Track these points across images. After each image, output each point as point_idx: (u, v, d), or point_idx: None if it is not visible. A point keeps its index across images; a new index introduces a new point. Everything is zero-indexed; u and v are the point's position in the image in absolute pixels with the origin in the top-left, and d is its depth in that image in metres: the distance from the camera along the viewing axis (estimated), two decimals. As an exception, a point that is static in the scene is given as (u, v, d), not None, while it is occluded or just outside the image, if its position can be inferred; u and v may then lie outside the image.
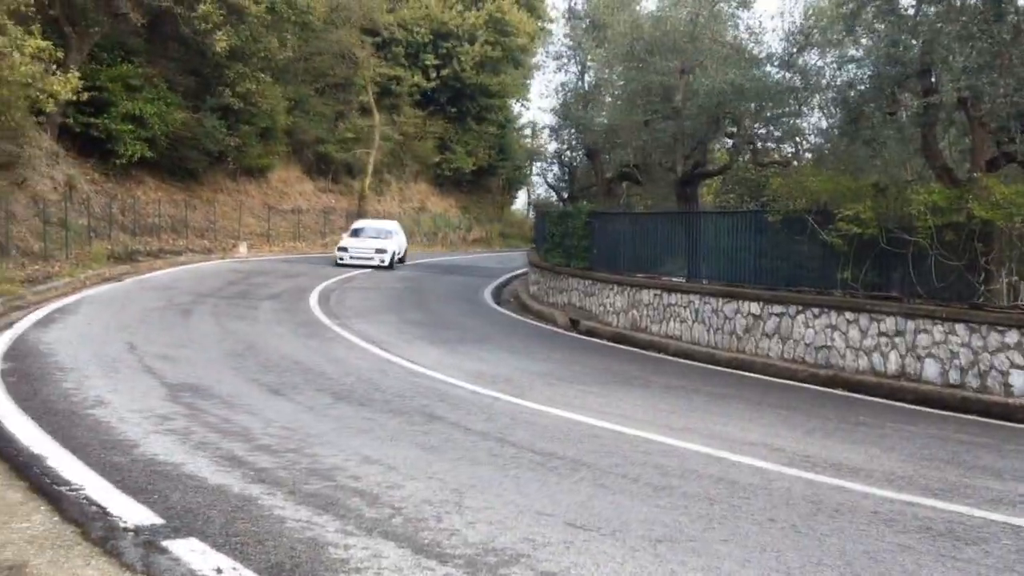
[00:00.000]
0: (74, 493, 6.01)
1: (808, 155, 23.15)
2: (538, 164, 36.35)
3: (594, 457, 7.74)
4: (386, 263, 31.81)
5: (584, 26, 27.03)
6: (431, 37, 51.14)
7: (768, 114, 20.99)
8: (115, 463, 6.76)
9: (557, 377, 12.37)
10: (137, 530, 5.35)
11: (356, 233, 33.93)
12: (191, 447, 7.36)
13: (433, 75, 51.67)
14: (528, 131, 58.40)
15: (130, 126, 31.11)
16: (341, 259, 31.57)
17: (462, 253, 48.66)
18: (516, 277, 31.58)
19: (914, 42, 13.71)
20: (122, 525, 5.43)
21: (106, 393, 9.39)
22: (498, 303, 24.32)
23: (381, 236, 33.60)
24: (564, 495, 6.52)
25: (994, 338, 11.42)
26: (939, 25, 13.27)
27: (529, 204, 57.55)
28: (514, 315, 21.66)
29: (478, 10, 52.39)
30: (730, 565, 5.29)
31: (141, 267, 26.91)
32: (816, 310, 13.84)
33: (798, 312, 14.14)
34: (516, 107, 60.28)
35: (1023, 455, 8.94)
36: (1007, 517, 6.53)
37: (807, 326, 13.95)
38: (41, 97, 20.21)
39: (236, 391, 9.94)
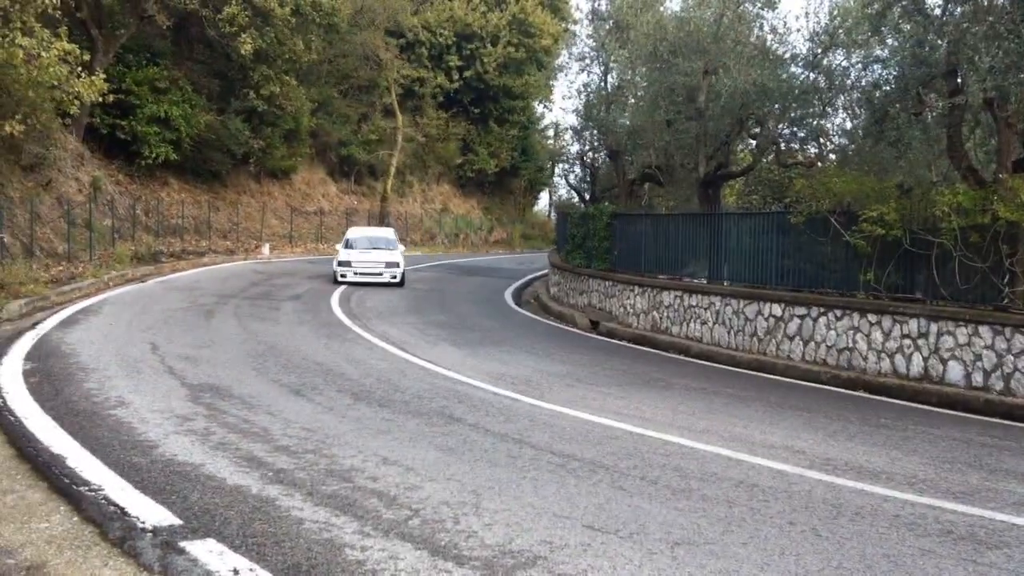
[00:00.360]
0: (93, 493, 6.05)
1: (832, 156, 23.04)
2: (560, 165, 36.25)
3: (613, 459, 7.72)
4: (397, 279, 25.85)
5: (608, 27, 27.00)
6: (455, 39, 51.20)
7: (792, 115, 20.91)
8: (135, 463, 6.81)
9: (577, 379, 12.34)
10: (155, 531, 5.39)
11: (351, 244, 27.24)
12: (211, 448, 7.39)
13: (456, 76, 51.74)
14: (551, 132, 58.39)
15: (155, 128, 31.42)
16: (343, 276, 25.31)
17: (483, 254, 48.73)
18: (537, 278, 31.51)
19: (940, 42, 13.61)
20: (140, 526, 5.47)
21: (127, 393, 9.45)
22: (519, 304, 24.30)
23: (382, 246, 27.34)
24: (582, 497, 6.51)
25: (1019, 340, 11.28)
26: (966, 25, 13.16)
27: (551, 205, 57.45)
28: (535, 316, 21.64)
29: (502, 11, 52.38)
30: (749, 568, 5.27)
31: (164, 268, 27.13)
32: (839, 312, 13.73)
33: (820, 314, 14.04)
34: (539, 108, 60.26)
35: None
36: (1030, 521, 6.46)
37: (829, 328, 13.85)
38: (67, 99, 20.40)
39: (257, 392, 9.98)
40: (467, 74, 52.03)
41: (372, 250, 26.66)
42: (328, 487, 6.44)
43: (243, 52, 31.50)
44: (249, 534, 5.39)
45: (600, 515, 6.11)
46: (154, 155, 31.73)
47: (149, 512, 5.70)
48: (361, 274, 25.43)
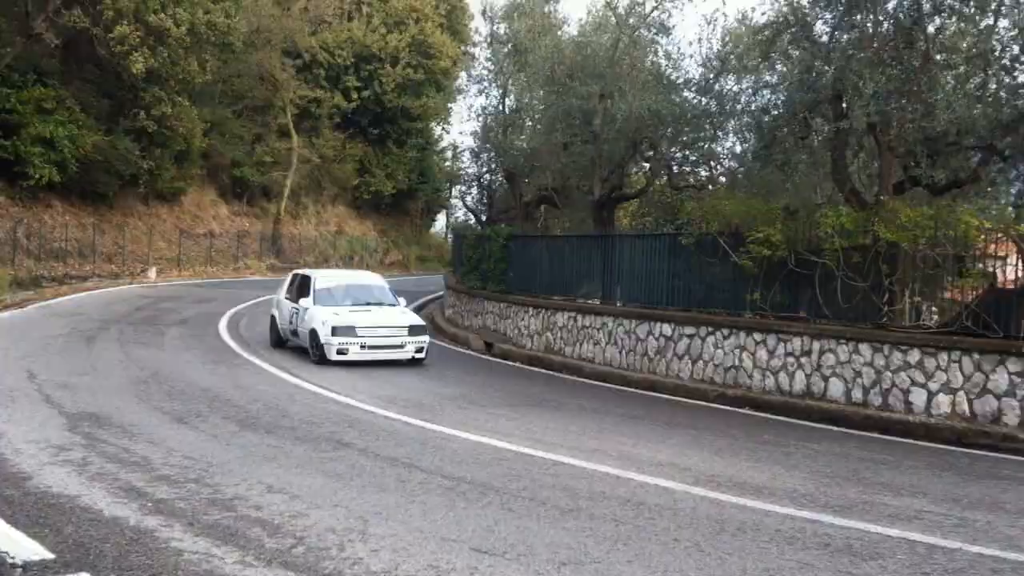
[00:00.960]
0: (-40, 529, 5.80)
1: (723, 179, 23.54)
2: (458, 187, 36.15)
3: (503, 481, 7.73)
4: (423, 353, 16.29)
5: (506, 50, 27.14)
6: (353, 59, 50.91)
7: (684, 138, 21.33)
8: (6, 496, 6.56)
9: (469, 400, 12.32)
10: (26, 566, 5.20)
11: (324, 298, 16.64)
12: (88, 478, 7.15)
13: (354, 97, 51.41)
14: (449, 154, 58.35)
15: (40, 149, 30.40)
16: (340, 353, 15.39)
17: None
18: (432, 300, 31.42)
19: (827, 68, 14.00)
20: (10, 561, 5.26)
21: (1, 424, 9.09)
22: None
23: (376, 300, 17.38)
24: (471, 520, 6.50)
25: (897, 357, 11.71)
26: (851, 52, 13.61)
27: (448, 227, 57.37)
28: (429, 338, 21.49)
29: (401, 33, 52.30)
30: None
31: (46, 293, 26.25)
32: (726, 331, 14.04)
33: (709, 333, 14.32)
34: (437, 130, 60.18)
35: (920, 471, 9.16)
36: (903, 532, 6.67)
37: (717, 347, 14.13)
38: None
39: (138, 420, 9.70)
40: (365, 95, 51.76)
41: (369, 307, 16.72)
42: (210, 517, 6.29)
43: (135, 71, 30.79)
44: (125, 567, 5.23)
45: (488, 537, 6.10)
46: (38, 176, 30.70)
47: (20, 547, 5.49)
48: (373, 348, 15.68)
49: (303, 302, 16.64)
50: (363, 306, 16.72)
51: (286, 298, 17.67)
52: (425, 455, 8.67)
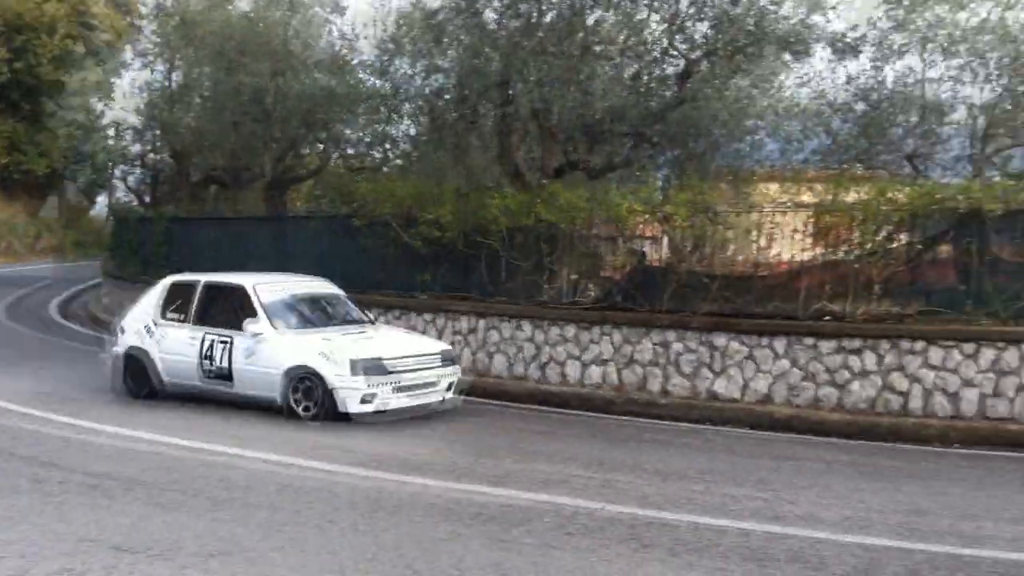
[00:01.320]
0: None
1: (398, 161, 23.65)
2: (121, 167, 33.82)
3: (153, 475, 7.35)
4: (454, 389, 11.06)
5: (174, 23, 25.73)
6: (3, 28, 46.44)
7: (359, 120, 21.21)
8: None
9: (121, 393, 11.49)
10: None
11: (284, 319, 11.00)
12: None
13: (3, 69, 46.96)
14: (112, 132, 54.67)
15: None
16: (369, 400, 9.94)
17: (29, 263, 44.30)
18: (89, 288, 29.17)
19: (495, 55, 14.31)
20: None
21: None
22: (65, 317, 22.34)
23: (346, 317, 11.92)
24: (113, 518, 6.12)
25: (554, 332, 12.32)
26: (517, 40, 13.99)
27: (109, 210, 53.98)
28: (81, 329, 19.91)
29: (59, 1, 48.33)
30: (283, 572, 5.18)
31: None
32: (398, 312, 14.14)
33: (379, 315, 14.29)
34: (99, 106, 56.15)
35: (573, 439, 9.71)
36: (552, 497, 6.93)
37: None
38: None
39: None
40: (16, 66, 47.44)
41: (361, 329, 11.49)
42: None
43: None
44: None
45: (131, 534, 5.74)
46: None
47: None
48: (408, 389, 10.35)
49: (251, 326, 10.69)
50: (346, 327, 11.44)
51: (175, 320, 11.56)
52: (68, 453, 8.10)
